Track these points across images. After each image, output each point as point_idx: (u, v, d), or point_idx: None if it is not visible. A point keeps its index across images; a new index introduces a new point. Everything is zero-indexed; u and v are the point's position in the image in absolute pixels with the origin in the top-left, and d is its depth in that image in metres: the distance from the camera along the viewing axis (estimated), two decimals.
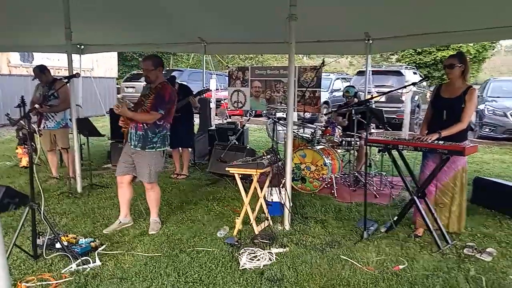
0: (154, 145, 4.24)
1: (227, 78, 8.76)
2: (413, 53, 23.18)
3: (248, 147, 6.55)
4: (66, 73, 5.16)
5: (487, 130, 11.10)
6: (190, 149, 7.06)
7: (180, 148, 6.76)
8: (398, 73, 13.28)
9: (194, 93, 6.69)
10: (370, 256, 3.72)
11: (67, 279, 3.27)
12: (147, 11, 5.83)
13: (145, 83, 4.43)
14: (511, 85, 12.66)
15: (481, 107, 11.41)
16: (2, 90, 12.22)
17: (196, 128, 8.08)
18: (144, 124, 4.17)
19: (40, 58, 12.41)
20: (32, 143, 3.87)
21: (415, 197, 4.07)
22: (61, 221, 4.62)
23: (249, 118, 9.11)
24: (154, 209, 4.48)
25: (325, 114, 7.08)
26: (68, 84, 5.26)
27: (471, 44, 21.62)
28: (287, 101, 4.54)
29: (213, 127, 7.93)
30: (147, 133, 4.19)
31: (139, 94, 4.45)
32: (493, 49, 26.13)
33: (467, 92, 4.00)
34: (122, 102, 4.01)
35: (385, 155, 4.79)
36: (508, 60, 32.02)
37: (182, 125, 6.62)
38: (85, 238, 3.93)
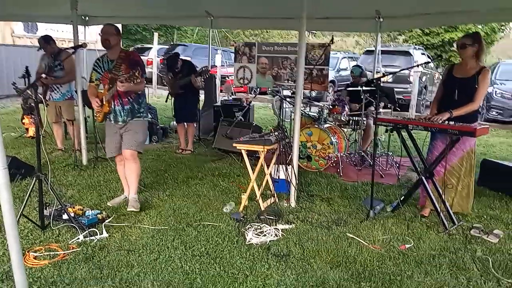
0: (141, 114, 4.22)
1: (232, 54, 8.63)
2: (420, 34, 22.74)
3: (254, 124, 6.50)
4: (71, 45, 5.07)
5: (494, 113, 11.02)
6: (195, 125, 7.03)
7: (185, 124, 6.72)
8: (407, 53, 13.11)
9: (198, 69, 6.61)
10: (376, 234, 3.72)
11: (74, 250, 3.29)
12: None
13: (109, 57, 4.13)
14: None
15: (490, 90, 11.25)
16: (6, 60, 12.09)
17: (201, 104, 8.02)
18: (130, 98, 4.09)
19: (44, 29, 12.26)
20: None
21: (423, 177, 4.04)
22: (67, 192, 4.62)
23: (255, 95, 9.02)
24: (134, 184, 4.27)
25: (334, 92, 7.01)
26: (73, 56, 5.19)
27: (480, 26, 21.18)
28: (297, 78, 4.46)
29: (219, 103, 7.87)
30: (134, 105, 4.15)
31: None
32: (502, 32, 25.66)
33: (480, 73, 3.94)
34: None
35: (392, 135, 4.76)
36: None
37: (187, 100, 6.58)
38: (91, 210, 3.93)
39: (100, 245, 3.39)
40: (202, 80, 6.83)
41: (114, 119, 4.15)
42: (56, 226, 3.65)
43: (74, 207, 3.93)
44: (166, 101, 6.98)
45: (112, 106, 4.12)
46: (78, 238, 3.46)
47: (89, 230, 3.56)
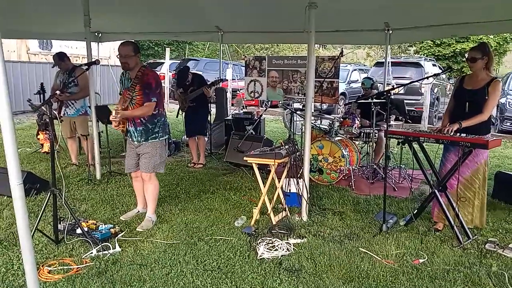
0: (157, 135, 4.16)
1: (243, 68, 8.70)
2: (431, 45, 22.69)
3: (265, 137, 6.52)
4: (84, 61, 5.17)
5: (508, 124, 10.87)
6: (206, 138, 7.07)
7: (196, 137, 6.77)
8: (417, 65, 13.07)
9: (208, 83, 6.68)
10: (389, 249, 3.68)
11: (87, 264, 3.32)
12: None
13: (128, 73, 4.14)
14: None
15: (503, 100, 11.15)
16: (22, 77, 12.35)
17: (212, 118, 8.08)
18: (142, 119, 4.07)
19: (58, 46, 12.52)
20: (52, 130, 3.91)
21: (436, 191, 4.00)
22: (81, 207, 4.68)
23: (266, 109, 9.08)
24: (151, 204, 4.28)
25: (345, 105, 7.01)
26: (87, 72, 5.29)
27: (492, 37, 21.07)
28: (306, 91, 4.49)
29: (230, 117, 7.92)
30: (147, 126, 4.10)
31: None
32: None
33: (490, 84, 3.91)
34: (116, 115, 3.97)
35: (404, 147, 4.73)
36: None
37: (198, 113, 6.64)
38: (105, 224, 3.97)
39: (113, 260, 3.41)
40: (214, 94, 6.89)
41: (130, 138, 4.21)
42: (70, 240, 3.69)
43: (87, 222, 3.98)
44: (177, 116, 7.05)
45: (127, 126, 4.15)
46: (92, 253, 3.49)
47: (102, 244, 3.59)
